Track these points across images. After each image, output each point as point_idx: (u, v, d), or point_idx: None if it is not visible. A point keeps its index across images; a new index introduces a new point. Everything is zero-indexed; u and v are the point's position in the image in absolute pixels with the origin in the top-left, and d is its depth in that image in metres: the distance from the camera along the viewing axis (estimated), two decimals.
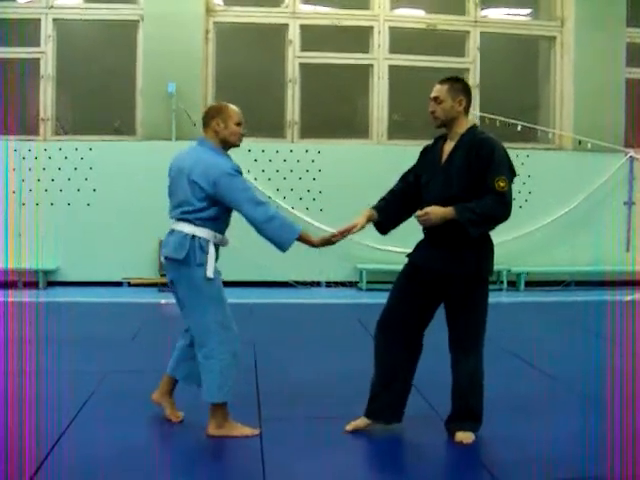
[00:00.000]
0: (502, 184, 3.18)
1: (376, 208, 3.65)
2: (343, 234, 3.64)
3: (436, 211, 3.25)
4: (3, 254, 8.90)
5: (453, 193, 3.28)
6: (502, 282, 9.27)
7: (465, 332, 3.41)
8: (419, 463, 3.32)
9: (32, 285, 8.95)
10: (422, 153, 3.62)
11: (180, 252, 3.38)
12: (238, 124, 3.54)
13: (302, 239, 3.51)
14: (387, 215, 3.67)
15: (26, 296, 8.41)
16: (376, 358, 3.56)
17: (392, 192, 3.70)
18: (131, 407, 3.90)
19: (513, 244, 9.16)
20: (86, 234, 8.80)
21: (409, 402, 3.65)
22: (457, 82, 3.41)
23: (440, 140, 3.50)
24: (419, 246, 3.62)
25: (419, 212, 3.33)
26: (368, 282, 9.03)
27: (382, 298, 8.10)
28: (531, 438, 3.48)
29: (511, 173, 3.29)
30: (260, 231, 3.42)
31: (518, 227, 9.21)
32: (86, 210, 8.87)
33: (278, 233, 3.42)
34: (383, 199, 3.70)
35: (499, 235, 9.12)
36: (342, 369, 4.84)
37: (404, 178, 3.69)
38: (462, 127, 3.37)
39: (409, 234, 8.72)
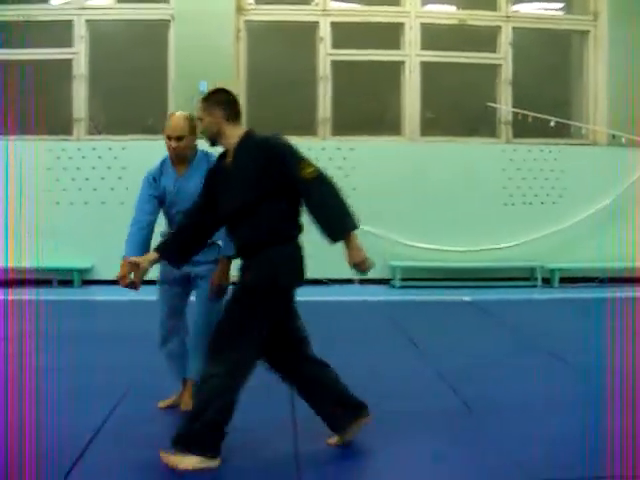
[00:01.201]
0: (308, 169, 3.16)
1: (158, 249, 3.57)
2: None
3: (357, 252, 3.34)
4: (37, 253, 9.53)
5: (247, 200, 3.24)
6: (536, 279, 9.72)
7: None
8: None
9: (67, 283, 9.59)
10: (210, 176, 3.50)
11: None
12: (168, 137, 3.87)
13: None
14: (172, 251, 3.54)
15: (62, 294, 9.04)
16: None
17: (176, 232, 3.64)
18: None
19: (547, 240, 9.65)
20: (120, 233, 9.26)
21: None
22: (211, 95, 3.37)
23: (222, 157, 3.45)
24: None
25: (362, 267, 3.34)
26: (401, 279, 9.52)
27: (415, 295, 8.72)
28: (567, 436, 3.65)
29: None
30: None
31: (552, 223, 9.69)
32: (120, 209, 9.39)
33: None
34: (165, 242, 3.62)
35: (532, 231, 9.68)
36: (374, 366, 5.14)
37: (191, 214, 3.57)
38: (232, 137, 3.29)
39: (443, 231, 9.33)
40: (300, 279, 3.43)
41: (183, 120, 3.88)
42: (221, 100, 3.33)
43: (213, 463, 3.15)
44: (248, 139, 3.29)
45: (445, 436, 3.73)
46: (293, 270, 3.36)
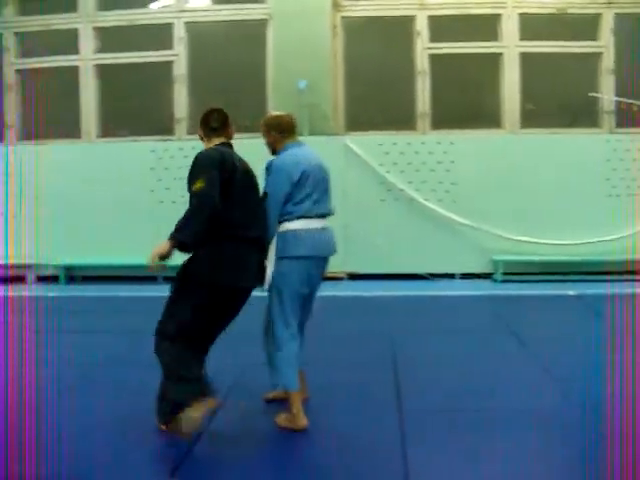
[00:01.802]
0: (197, 185, 3.67)
1: None
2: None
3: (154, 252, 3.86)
4: (143, 250, 10.03)
5: None
6: None
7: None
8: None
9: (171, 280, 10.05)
10: None
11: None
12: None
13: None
14: None
15: (166, 290, 9.48)
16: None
17: None
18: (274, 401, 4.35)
19: None
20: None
21: None
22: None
23: None
24: None
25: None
26: (503, 274, 9.63)
27: (518, 290, 8.87)
28: None
29: (209, 168, 3.74)
30: None
31: None
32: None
33: None
34: None
35: (637, 224, 9.53)
36: (477, 362, 5.27)
37: None
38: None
39: (544, 224, 9.40)
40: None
41: None
42: (203, 120, 4.20)
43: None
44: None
45: (550, 434, 3.80)
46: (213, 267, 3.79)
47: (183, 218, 3.67)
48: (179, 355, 3.75)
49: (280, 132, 4.21)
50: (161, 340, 3.81)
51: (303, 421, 3.92)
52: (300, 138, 4.30)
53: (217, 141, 4.06)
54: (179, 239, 3.67)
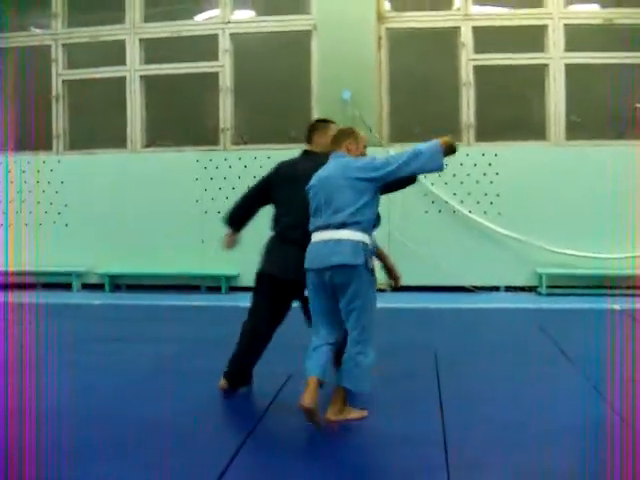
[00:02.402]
0: None
1: None
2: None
3: None
4: (188, 260, 10.24)
5: None
6: None
7: None
8: None
9: (215, 290, 10.24)
10: None
11: (358, 258, 4.05)
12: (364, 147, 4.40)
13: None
14: None
15: (210, 300, 9.67)
16: None
17: None
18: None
19: None
20: (264, 241, 9.95)
21: None
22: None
23: None
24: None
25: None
26: (548, 287, 9.62)
27: (563, 303, 8.83)
28: None
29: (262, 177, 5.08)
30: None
31: None
32: (265, 217, 9.98)
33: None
34: None
35: None
36: (523, 378, 5.24)
37: None
38: None
39: (589, 237, 9.37)
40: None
41: None
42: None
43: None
44: None
45: (594, 448, 3.82)
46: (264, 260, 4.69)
47: None
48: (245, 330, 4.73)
49: (332, 143, 4.40)
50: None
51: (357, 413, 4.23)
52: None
53: (307, 148, 4.74)
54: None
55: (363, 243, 4.09)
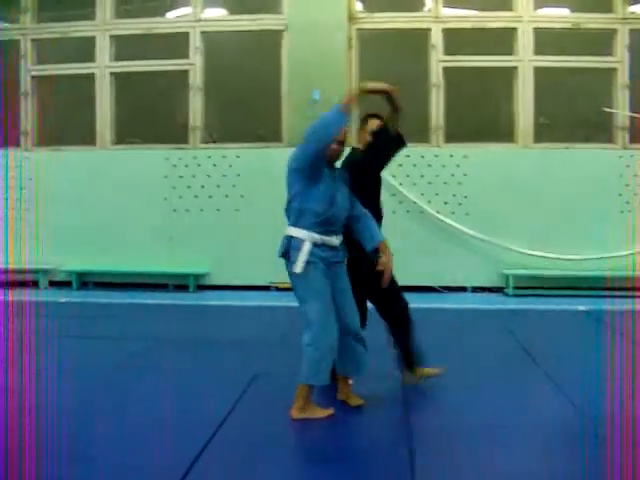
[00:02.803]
0: None
1: None
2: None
3: None
4: (156, 258, 10.21)
5: None
6: None
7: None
8: None
9: (183, 288, 10.22)
10: None
11: (280, 251, 4.34)
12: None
13: None
14: None
15: (178, 299, 9.64)
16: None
17: None
18: (282, 408, 4.34)
19: None
20: (234, 239, 9.94)
21: None
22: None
23: None
24: None
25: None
26: (515, 288, 9.71)
27: (529, 304, 8.90)
28: None
29: None
30: None
31: None
32: (234, 216, 10.03)
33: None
34: None
35: None
36: (486, 376, 5.34)
37: None
38: None
39: (557, 238, 9.47)
40: None
41: None
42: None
43: None
44: None
45: (558, 446, 3.87)
46: None
47: None
48: None
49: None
50: None
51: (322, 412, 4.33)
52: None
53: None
54: None
55: (288, 237, 4.29)
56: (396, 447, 3.86)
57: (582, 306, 8.75)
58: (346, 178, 4.46)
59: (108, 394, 4.84)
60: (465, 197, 9.87)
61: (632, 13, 10.27)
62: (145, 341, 6.55)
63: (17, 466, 3.46)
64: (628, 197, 9.90)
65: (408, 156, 9.77)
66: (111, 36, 10.55)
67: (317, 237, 4.22)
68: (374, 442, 4.03)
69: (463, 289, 9.86)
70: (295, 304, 4.39)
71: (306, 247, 4.18)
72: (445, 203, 9.86)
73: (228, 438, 3.94)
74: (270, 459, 3.68)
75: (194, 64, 10.36)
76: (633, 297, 9.44)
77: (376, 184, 4.88)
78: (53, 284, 10.50)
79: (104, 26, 10.53)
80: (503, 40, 10.16)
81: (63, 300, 9.38)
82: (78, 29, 10.60)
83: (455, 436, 4.00)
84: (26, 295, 9.65)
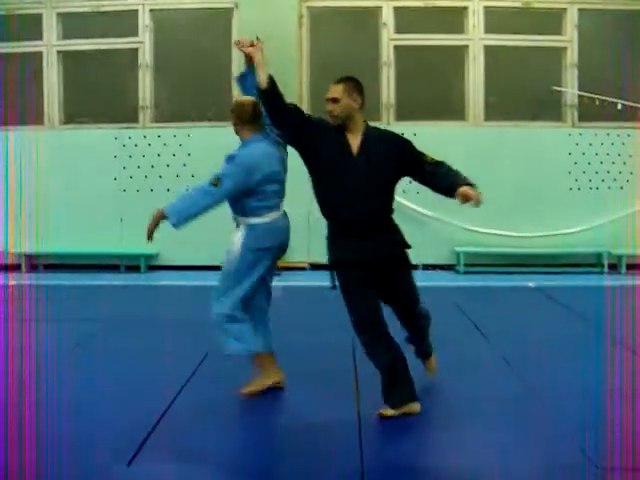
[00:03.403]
0: (429, 157, 4.04)
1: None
2: None
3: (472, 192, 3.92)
4: (106, 239, 10.13)
5: (383, 183, 3.91)
6: (603, 265, 9.91)
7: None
8: None
9: (134, 269, 10.15)
10: (321, 127, 3.93)
11: None
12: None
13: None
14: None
15: (129, 280, 9.58)
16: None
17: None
18: (229, 388, 4.40)
19: (613, 226, 9.83)
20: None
21: None
22: (351, 81, 3.95)
23: (340, 130, 3.89)
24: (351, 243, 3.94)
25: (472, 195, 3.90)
26: (465, 265, 9.84)
27: (480, 281, 9.01)
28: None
29: None
30: None
31: (619, 208, 9.90)
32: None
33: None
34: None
35: (599, 217, 9.82)
36: (438, 352, 5.19)
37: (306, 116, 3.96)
38: (360, 124, 3.90)
39: (507, 216, 9.57)
40: None
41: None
42: (361, 88, 3.92)
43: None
44: (374, 130, 3.98)
45: (509, 421, 3.92)
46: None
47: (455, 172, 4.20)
48: None
49: (242, 121, 4.29)
50: None
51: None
52: None
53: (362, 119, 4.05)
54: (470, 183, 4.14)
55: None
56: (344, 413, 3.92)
57: (532, 283, 8.87)
58: None
59: (62, 375, 4.80)
60: None
61: None
62: (98, 322, 6.51)
63: None
64: (577, 175, 10.03)
65: None
66: (58, 14, 10.37)
67: None
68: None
69: (414, 267, 9.88)
70: None
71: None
72: None
73: (179, 412, 4.02)
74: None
75: (143, 42, 10.26)
76: (580, 273, 9.61)
77: None
78: (1, 267, 10.33)
79: (51, 3, 10.35)
80: (454, 19, 10.21)
81: (12, 283, 9.22)
82: (24, 6, 10.40)
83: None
84: None
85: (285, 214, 4.38)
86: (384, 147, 3.86)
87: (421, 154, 3.96)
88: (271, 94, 3.83)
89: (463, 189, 3.82)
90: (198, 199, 4.11)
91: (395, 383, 3.85)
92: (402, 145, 3.94)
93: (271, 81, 3.85)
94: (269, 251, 4.26)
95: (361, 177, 3.81)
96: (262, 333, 4.35)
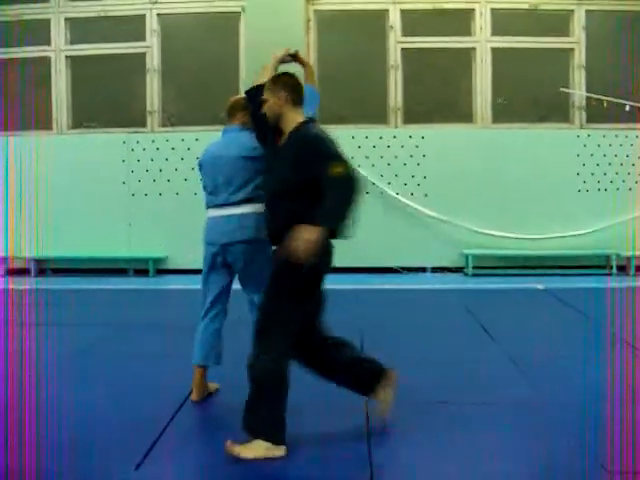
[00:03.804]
0: (338, 169, 3.28)
1: None
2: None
3: (304, 236, 3.25)
4: (115, 243, 10.16)
5: (283, 188, 3.46)
6: (611, 267, 9.90)
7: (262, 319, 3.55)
8: None
9: (142, 273, 10.18)
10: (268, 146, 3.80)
11: None
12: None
13: None
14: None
15: (137, 283, 9.61)
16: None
17: None
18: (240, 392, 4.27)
19: (622, 228, 9.80)
20: (194, 223, 9.85)
21: None
22: (278, 78, 3.58)
23: (275, 131, 3.67)
24: None
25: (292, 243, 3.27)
26: (474, 267, 9.82)
27: (488, 283, 8.96)
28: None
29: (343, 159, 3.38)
30: None
31: (628, 210, 9.89)
32: (193, 199, 9.94)
33: None
34: None
35: (607, 218, 9.80)
36: (446, 355, 5.30)
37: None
38: (290, 122, 3.52)
39: (515, 218, 9.57)
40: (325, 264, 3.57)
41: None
42: (287, 83, 3.53)
43: (279, 451, 3.37)
44: (301, 129, 3.51)
45: (518, 426, 3.89)
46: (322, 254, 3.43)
47: (336, 203, 3.30)
48: None
49: (227, 115, 4.33)
50: None
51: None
52: None
53: (299, 117, 3.58)
54: (334, 227, 3.32)
55: None
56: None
57: (540, 285, 8.84)
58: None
59: (72, 379, 4.79)
60: (424, 178, 9.94)
61: None
62: (107, 327, 6.50)
63: None
64: (585, 176, 10.02)
65: (367, 137, 9.86)
66: (66, 19, 10.43)
67: None
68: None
69: (423, 269, 9.93)
70: None
71: None
72: (404, 184, 9.92)
73: (189, 416, 4.02)
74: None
75: (151, 47, 10.30)
76: (589, 275, 9.60)
77: None
78: (10, 271, 10.39)
79: (59, 8, 10.40)
80: (461, 21, 10.22)
81: (21, 287, 9.26)
82: (32, 11, 10.46)
83: (411, 413, 4.00)
84: None
85: (228, 212, 4.23)
86: (288, 150, 3.51)
87: (326, 163, 3.32)
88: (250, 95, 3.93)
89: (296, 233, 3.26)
90: None
91: None
92: (298, 149, 3.44)
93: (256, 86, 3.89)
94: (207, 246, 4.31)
95: (269, 181, 3.67)
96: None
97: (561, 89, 10.11)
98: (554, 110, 10.30)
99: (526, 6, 10.27)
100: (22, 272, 10.30)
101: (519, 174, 9.86)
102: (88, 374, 4.90)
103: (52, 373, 4.93)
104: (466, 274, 9.82)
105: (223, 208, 4.17)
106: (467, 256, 9.83)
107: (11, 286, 9.35)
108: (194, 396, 4.23)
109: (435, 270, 9.95)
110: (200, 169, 4.37)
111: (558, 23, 10.31)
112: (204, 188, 4.35)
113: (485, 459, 3.40)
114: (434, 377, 4.71)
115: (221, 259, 4.21)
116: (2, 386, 4.63)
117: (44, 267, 10.41)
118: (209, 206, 4.28)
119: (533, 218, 9.83)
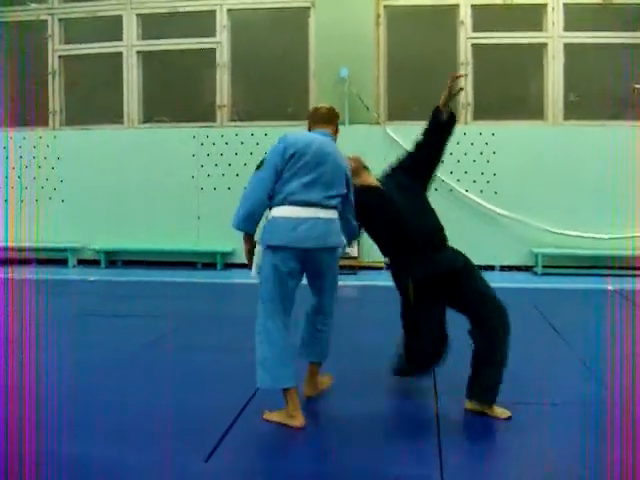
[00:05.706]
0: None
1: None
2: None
3: None
4: (183, 237, 10.34)
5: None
6: None
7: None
8: None
9: (210, 266, 10.34)
10: None
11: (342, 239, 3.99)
12: None
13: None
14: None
15: (205, 277, 9.75)
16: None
17: None
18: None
19: None
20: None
21: None
22: None
23: None
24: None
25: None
26: (544, 266, 9.73)
27: (558, 283, 8.88)
28: None
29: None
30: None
31: None
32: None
33: None
34: None
35: None
36: (516, 355, 5.28)
37: None
38: None
39: (586, 217, 9.44)
40: None
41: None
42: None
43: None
44: None
45: (589, 426, 3.84)
46: None
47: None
48: None
49: (312, 121, 4.15)
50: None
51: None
52: (341, 127, 4.25)
53: None
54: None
55: None
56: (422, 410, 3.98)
57: (611, 285, 8.72)
58: None
59: (141, 370, 4.91)
60: (494, 175, 9.88)
61: None
62: (176, 319, 6.63)
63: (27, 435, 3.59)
64: None
65: None
66: (138, 15, 10.62)
67: None
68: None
69: (491, 268, 9.87)
70: None
71: None
72: (474, 181, 9.88)
73: (257, 409, 4.01)
74: None
75: (220, 42, 10.42)
76: None
77: None
78: (81, 262, 10.65)
79: (130, 5, 10.61)
80: (533, 16, 10.10)
81: (92, 278, 9.49)
82: (105, 8, 10.69)
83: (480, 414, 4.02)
84: (55, 273, 9.80)
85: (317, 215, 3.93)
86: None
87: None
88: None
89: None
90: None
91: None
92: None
93: None
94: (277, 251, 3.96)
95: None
96: None
97: (635, 85, 9.92)
98: (627, 107, 10.12)
99: (599, 0, 10.08)
100: (93, 263, 10.54)
101: (591, 172, 9.72)
102: (156, 366, 5.00)
103: (123, 364, 5.04)
104: (535, 273, 9.74)
105: (315, 208, 3.78)
106: (537, 255, 9.74)
107: (82, 277, 9.57)
108: (306, 392, 4.27)
109: (504, 268, 9.89)
110: (291, 158, 3.77)
111: (632, 17, 10.10)
112: (286, 180, 3.78)
113: (555, 459, 3.41)
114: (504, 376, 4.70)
115: (300, 265, 3.86)
116: (86, 374, 4.78)
117: (114, 259, 10.63)
118: (288, 201, 3.77)
119: (605, 217, 9.68)
